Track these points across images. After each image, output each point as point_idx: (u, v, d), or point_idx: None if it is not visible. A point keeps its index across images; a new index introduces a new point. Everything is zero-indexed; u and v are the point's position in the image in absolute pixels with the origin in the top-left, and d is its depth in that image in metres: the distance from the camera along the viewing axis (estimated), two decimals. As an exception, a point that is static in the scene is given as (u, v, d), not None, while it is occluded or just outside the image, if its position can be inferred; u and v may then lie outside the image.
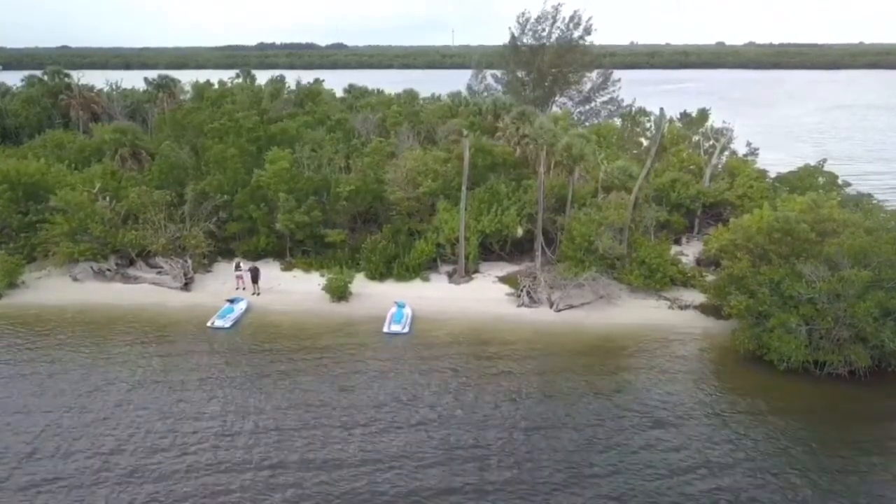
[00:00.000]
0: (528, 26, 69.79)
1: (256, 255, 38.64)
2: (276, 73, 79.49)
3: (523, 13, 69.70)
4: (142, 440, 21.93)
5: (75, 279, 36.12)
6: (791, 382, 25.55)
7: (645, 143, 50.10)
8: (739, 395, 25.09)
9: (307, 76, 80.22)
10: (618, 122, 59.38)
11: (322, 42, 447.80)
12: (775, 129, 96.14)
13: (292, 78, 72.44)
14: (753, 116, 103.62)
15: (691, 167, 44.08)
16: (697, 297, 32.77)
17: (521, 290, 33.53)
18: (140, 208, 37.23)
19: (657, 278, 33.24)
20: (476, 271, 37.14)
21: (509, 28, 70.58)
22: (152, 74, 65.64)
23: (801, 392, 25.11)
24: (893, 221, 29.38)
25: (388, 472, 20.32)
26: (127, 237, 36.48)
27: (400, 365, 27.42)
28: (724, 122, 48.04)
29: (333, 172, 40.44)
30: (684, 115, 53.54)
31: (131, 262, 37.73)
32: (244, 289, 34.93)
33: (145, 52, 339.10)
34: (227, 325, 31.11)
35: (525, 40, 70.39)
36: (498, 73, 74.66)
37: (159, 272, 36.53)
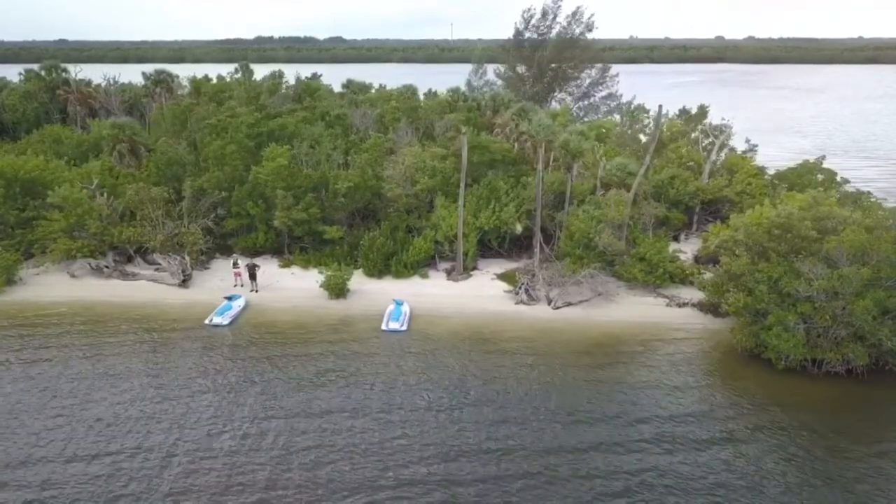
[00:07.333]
0: (532, 22, 69.99)
1: (254, 251, 38.61)
2: (275, 67, 79.15)
3: (529, 9, 69.96)
4: (138, 438, 21.90)
5: (73, 276, 36.05)
6: (789, 380, 25.59)
7: (644, 139, 49.93)
8: (737, 392, 25.11)
9: (305, 70, 79.97)
10: (617, 117, 59.24)
11: (321, 36, 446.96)
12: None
13: (291, 72, 72.11)
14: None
15: (690, 164, 44.00)
16: (696, 294, 32.73)
17: (520, 288, 33.49)
18: (138, 205, 37.17)
19: (658, 274, 33.22)
20: (474, 268, 37.10)
21: (515, 23, 70.93)
22: (150, 69, 65.34)
23: (798, 390, 25.12)
24: (892, 219, 29.26)
25: (385, 469, 20.32)
26: (124, 234, 36.42)
27: (398, 362, 27.40)
28: (722, 118, 47.92)
29: (331, 169, 40.33)
30: (683, 112, 53.28)
31: (129, 259, 37.69)
32: (242, 285, 34.88)
33: (143, 46, 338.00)
34: (225, 322, 31.09)
35: (528, 36, 70.58)
36: (501, 67, 74.68)
37: (157, 269, 36.48)
